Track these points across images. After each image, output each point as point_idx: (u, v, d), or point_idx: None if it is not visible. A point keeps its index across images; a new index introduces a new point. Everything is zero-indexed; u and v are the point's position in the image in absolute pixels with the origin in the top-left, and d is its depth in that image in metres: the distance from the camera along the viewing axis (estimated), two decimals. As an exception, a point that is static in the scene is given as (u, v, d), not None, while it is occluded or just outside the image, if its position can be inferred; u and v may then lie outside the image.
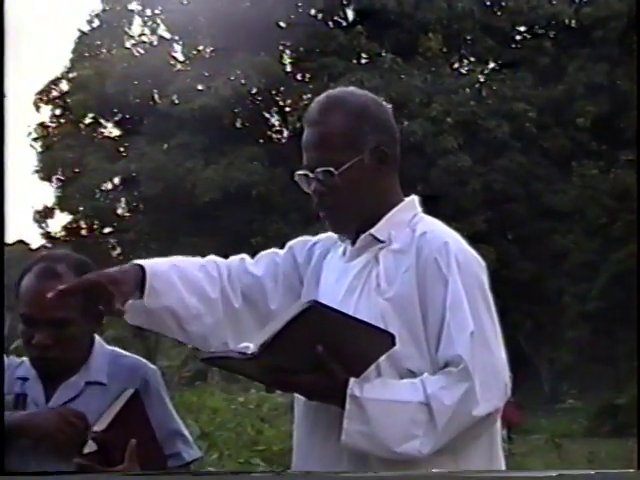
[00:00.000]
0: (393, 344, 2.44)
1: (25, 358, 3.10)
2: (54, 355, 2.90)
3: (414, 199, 2.78)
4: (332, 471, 2.59)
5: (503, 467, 2.73)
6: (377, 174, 2.70)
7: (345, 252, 2.77)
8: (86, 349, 2.99)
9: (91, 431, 2.82)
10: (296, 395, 2.68)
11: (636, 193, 17.47)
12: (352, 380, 2.45)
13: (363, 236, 2.70)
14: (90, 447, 2.81)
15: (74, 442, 2.81)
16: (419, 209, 2.77)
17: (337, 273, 2.73)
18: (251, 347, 2.45)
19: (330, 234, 2.85)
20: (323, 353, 2.41)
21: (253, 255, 2.93)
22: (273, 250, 2.92)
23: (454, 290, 2.56)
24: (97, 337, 3.05)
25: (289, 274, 2.85)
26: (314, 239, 2.91)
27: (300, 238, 2.94)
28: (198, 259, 2.89)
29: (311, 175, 2.67)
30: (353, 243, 2.73)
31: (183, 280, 2.78)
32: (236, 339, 2.76)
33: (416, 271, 2.58)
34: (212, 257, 2.90)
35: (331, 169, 2.63)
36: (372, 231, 2.68)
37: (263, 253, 2.91)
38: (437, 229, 2.69)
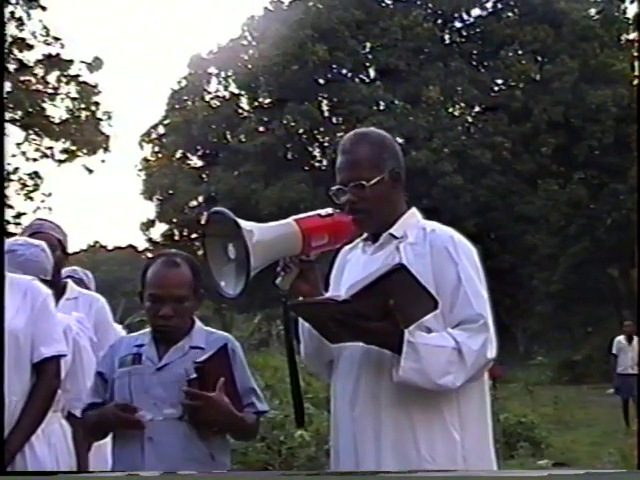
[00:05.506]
0: (436, 308, 2.45)
1: (138, 332, 3.12)
2: (174, 324, 2.91)
3: (415, 209, 2.79)
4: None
5: (488, 401, 2.72)
6: (392, 190, 2.70)
7: (365, 250, 2.76)
8: (190, 322, 2.99)
9: (193, 361, 2.82)
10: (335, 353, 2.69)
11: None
12: (406, 330, 2.45)
13: (384, 234, 2.69)
14: (192, 375, 2.81)
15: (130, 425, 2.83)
16: (420, 216, 2.78)
17: (362, 264, 2.70)
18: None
19: (347, 247, 2.83)
20: (393, 306, 2.39)
21: None
22: None
23: (464, 269, 2.59)
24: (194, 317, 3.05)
25: None
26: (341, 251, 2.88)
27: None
28: None
29: (345, 189, 2.66)
30: (374, 242, 2.72)
31: None
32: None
33: (431, 257, 2.60)
34: None
35: (363, 182, 2.63)
36: (391, 231, 2.68)
37: None
38: (441, 227, 2.71)
